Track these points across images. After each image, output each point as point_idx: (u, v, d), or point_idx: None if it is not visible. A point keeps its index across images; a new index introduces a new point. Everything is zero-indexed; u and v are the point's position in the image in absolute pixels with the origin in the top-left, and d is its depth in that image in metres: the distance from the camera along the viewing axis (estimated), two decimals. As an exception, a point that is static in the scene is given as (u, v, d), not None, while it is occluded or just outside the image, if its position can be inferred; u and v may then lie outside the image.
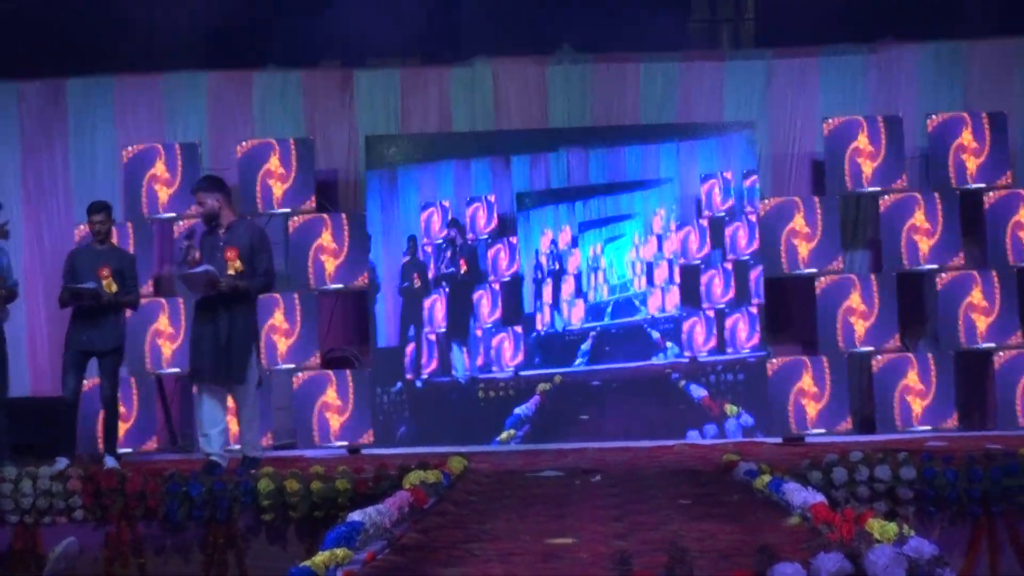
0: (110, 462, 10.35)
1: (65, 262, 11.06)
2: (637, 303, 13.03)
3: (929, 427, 12.60)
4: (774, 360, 12.93)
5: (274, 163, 13.25)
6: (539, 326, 13.03)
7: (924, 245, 12.97)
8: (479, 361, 12.99)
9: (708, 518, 6.34)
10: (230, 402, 10.16)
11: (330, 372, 13.09)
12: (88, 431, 12.04)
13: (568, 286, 13.05)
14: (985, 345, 12.89)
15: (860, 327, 12.88)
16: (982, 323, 12.87)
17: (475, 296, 13.03)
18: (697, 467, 9.55)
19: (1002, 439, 11.18)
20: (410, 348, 13.01)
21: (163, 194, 13.35)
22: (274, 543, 9.06)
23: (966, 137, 13.11)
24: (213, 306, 9.81)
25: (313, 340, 13.06)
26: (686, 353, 12.88)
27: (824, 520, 5.62)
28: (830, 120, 13.22)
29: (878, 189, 13.09)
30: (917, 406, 12.71)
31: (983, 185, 13.08)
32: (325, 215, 13.35)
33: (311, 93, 14.03)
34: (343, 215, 13.38)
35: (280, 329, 13.00)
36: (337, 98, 14.02)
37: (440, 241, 13.09)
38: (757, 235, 12.94)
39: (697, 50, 15.06)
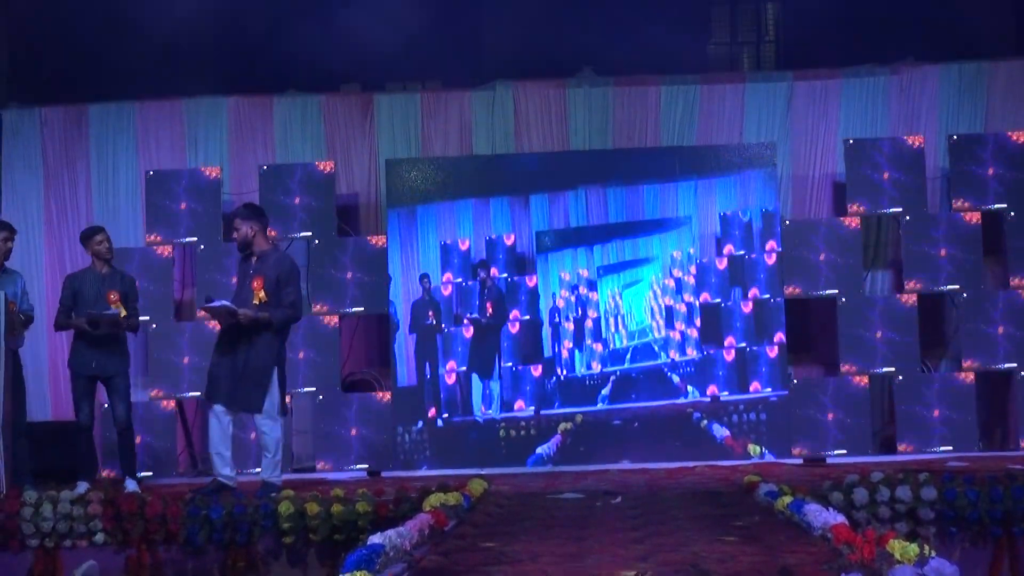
0: (131, 486, 10.37)
1: (64, 287, 10.98)
2: (656, 348, 13.02)
3: (950, 447, 12.56)
4: (795, 381, 12.91)
5: (295, 187, 13.28)
6: (559, 370, 13.03)
7: (945, 266, 12.93)
8: (499, 401, 13.00)
9: (729, 540, 6.32)
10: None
11: (350, 395, 13.12)
12: (112, 455, 12.11)
13: (587, 331, 13.05)
14: (1007, 365, 12.85)
15: (881, 348, 12.84)
16: (1004, 343, 12.82)
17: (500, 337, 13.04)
18: (718, 488, 9.52)
19: (1024, 459, 11.14)
20: (429, 386, 13.03)
21: (185, 218, 13.38)
22: (295, 566, 9.04)
23: (987, 157, 13.08)
24: (235, 335, 9.89)
25: (334, 363, 13.07)
26: (709, 391, 12.86)
27: (845, 541, 5.60)
28: (851, 141, 13.21)
29: (899, 210, 13.06)
30: (938, 427, 12.68)
31: (1004, 205, 13.04)
32: (346, 239, 13.39)
33: (332, 117, 14.07)
34: (364, 239, 13.42)
35: (301, 352, 13.00)
36: (358, 122, 14.06)
37: (467, 282, 13.09)
38: (777, 271, 12.94)
39: (718, 72, 15.05)
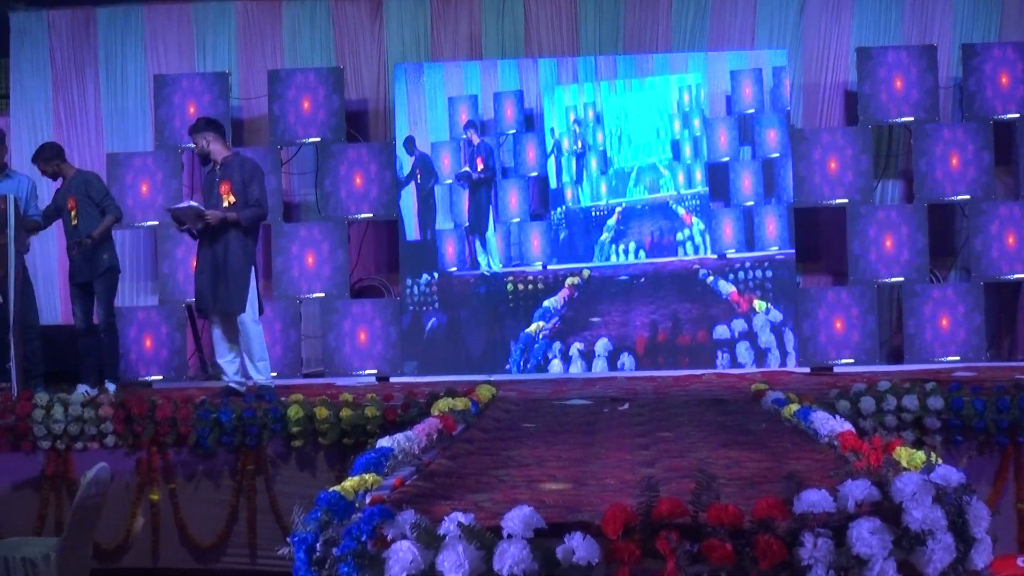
0: (110, 389, 10.44)
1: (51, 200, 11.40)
2: (662, 169, 12.99)
3: (958, 357, 12.59)
4: (804, 289, 12.94)
5: (304, 93, 13.23)
6: (568, 200, 13.04)
7: (956, 176, 12.88)
8: (505, 255, 13.04)
9: (735, 446, 6.34)
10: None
11: (359, 301, 13.15)
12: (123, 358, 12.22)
13: (593, 162, 13.04)
14: (1015, 276, 12.85)
15: (890, 258, 12.83)
16: (1013, 254, 12.80)
17: (497, 191, 13.05)
18: (725, 396, 9.55)
19: (1031, 369, 11.16)
20: (432, 243, 13.11)
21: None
22: (303, 469, 9.12)
23: (1000, 67, 12.98)
24: (209, 239, 10.06)
25: (343, 269, 13.09)
26: (710, 255, 12.90)
27: (852, 448, 5.62)
28: (863, 49, 13.11)
29: (911, 119, 12.98)
30: (946, 337, 12.69)
31: (1017, 115, 12.97)
32: (355, 144, 13.36)
33: (341, 22, 13.99)
34: (373, 144, 13.39)
35: (310, 258, 13.02)
36: (367, 27, 13.98)
37: (462, 137, 13.09)
38: (788, 132, 12.92)
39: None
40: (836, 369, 12.29)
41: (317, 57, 13.89)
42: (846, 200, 12.90)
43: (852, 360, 12.63)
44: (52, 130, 13.97)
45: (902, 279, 12.84)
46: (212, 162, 10.25)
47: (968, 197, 12.89)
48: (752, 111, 12.94)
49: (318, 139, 13.25)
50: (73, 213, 10.89)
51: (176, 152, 13.34)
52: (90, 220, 10.90)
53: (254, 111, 13.76)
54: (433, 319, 12.98)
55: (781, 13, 13.67)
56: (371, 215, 13.22)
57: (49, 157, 11.14)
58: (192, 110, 13.17)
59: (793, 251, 12.82)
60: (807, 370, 12.32)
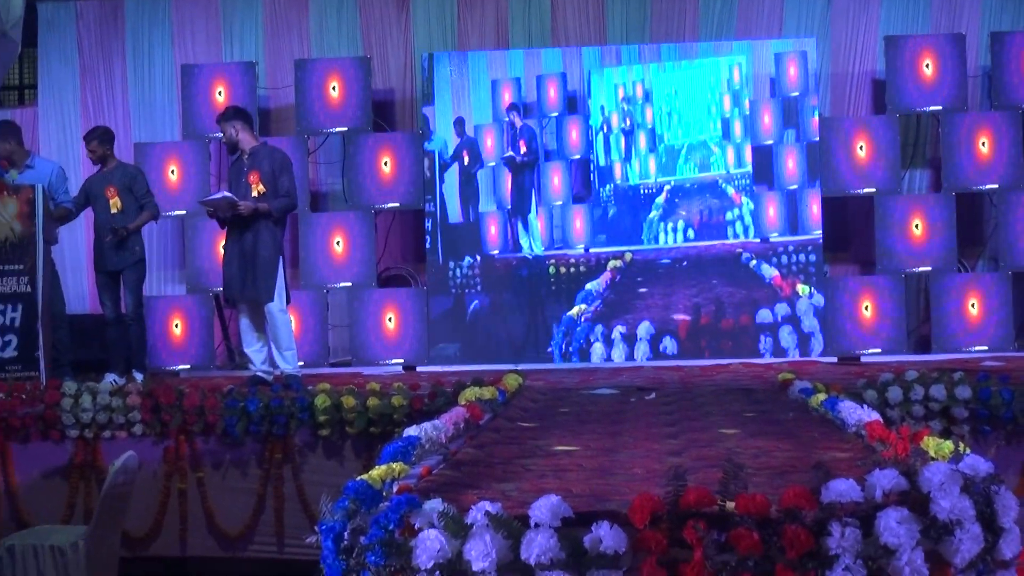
0: (137, 378, 10.49)
1: (80, 190, 11.39)
2: (713, 147, 12.99)
3: (986, 347, 12.54)
4: (831, 278, 12.91)
5: (331, 82, 13.24)
6: (616, 178, 13.04)
7: (984, 165, 12.82)
8: (548, 237, 13.07)
9: (763, 435, 6.33)
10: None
11: (386, 290, 13.18)
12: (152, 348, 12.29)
13: (642, 140, 13.05)
14: (1045, 265, 12.79)
15: (918, 247, 12.79)
16: (1042, 243, 12.76)
17: (540, 174, 13.08)
18: (752, 385, 9.53)
19: (1060, 359, 11.12)
20: (474, 226, 13.16)
21: (220, 112, 13.38)
22: (331, 458, 9.13)
23: (1030, 55, 12.93)
24: (239, 229, 10.12)
25: (370, 258, 13.11)
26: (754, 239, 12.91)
27: (879, 438, 5.60)
28: (891, 37, 13.05)
29: (939, 108, 12.93)
30: (974, 326, 12.65)
31: (1046, 104, 12.92)
32: (382, 134, 13.37)
33: (367, 11, 14.00)
34: (400, 133, 13.41)
35: (337, 247, 13.05)
36: (394, 17, 13.99)
37: (505, 120, 13.12)
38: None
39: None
40: (863, 359, 12.27)
41: (344, 46, 13.91)
42: (874, 189, 12.86)
43: (879, 350, 12.60)
44: (80, 120, 14.03)
45: (930, 268, 12.80)
46: (240, 151, 10.30)
47: (996, 186, 12.84)
48: (796, 94, 12.91)
49: (345, 128, 13.26)
50: (113, 202, 10.92)
51: (204, 141, 13.38)
52: (128, 212, 10.96)
53: (281, 100, 13.79)
54: (476, 302, 13.03)
55: (809, 2, 13.62)
56: (398, 204, 13.23)
57: (104, 140, 11.18)
58: (219, 99, 13.20)
59: (821, 239, 12.80)
60: (834, 359, 12.31)
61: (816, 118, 12.84)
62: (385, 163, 13.14)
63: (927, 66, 12.89)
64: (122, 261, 10.97)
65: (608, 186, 13.03)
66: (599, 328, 12.87)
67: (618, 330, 12.82)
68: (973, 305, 12.66)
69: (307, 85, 13.27)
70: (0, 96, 14.82)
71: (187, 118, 13.47)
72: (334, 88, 13.23)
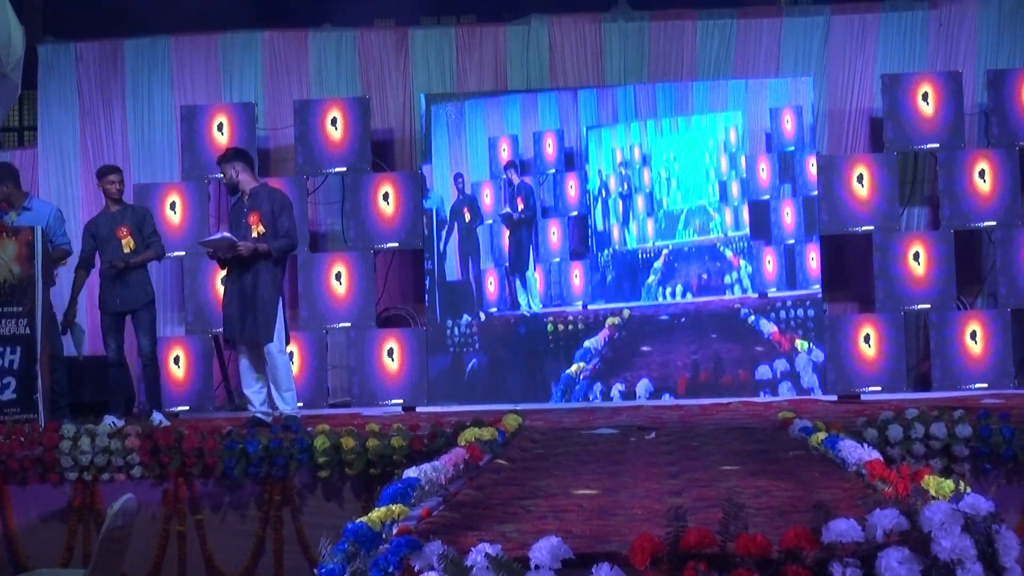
0: (157, 418, 10.48)
1: (83, 235, 11.25)
2: (712, 211, 12.98)
3: (986, 385, 12.52)
4: (831, 316, 12.90)
5: (330, 122, 13.27)
6: (614, 242, 13.04)
7: (982, 202, 12.84)
8: (546, 294, 13.05)
9: (763, 475, 6.33)
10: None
11: (386, 331, 13.17)
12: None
13: (640, 203, 13.05)
14: (1044, 303, 12.79)
15: (917, 284, 12.79)
16: (1041, 280, 12.75)
17: (538, 231, 13.06)
18: (752, 424, 9.52)
19: (1060, 397, 11.10)
20: (473, 282, 13.14)
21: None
22: (330, 500, 9.11)
23: (1027, 93, 12.96)
24: (238, 269, 10.14)
25: (369, 299, 13.11)
26: (752, 294, 12.87)
27: (880, 477, 5.60)
28: (888, 76, 13.09)
29: (936, 145, 12.95)
30: (974, 364, 12.63)
31: (1043, 141, 12.94)
32: (381, 174, 13.40)
33: (366, 53, 14.05)
34: (399, 174, 13.44)
35: (336, 287, 13.05)
36: (392, 57, 14.04)
37: (503, 177, 13.12)
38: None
39: (754, 6, 14.91)
40: (863, 397, 12.24)
41: (343, 87, 13.94)
42: (872, 227, 12.86)
43: (879, 388, 12.58)
44: (80, 161, 14.06)
45: (929, 306, 12.79)
46: (240, 192, 10.33)
47: (995, 223, 12.85)
48: (792, 149, 12.93)
49: (344, 169, 13.28)
50: (126, 242, 10.88)
51: (203, 182, 13.39)
52: (139, 252, 10.93)
53: (280, 141, 13.82)
54: (474, 360, 12.99)
55: (806, 41, 13.67)
56: (396, 244, 13.24)
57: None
58: (219, 140, 13.23)
59: (820, 294, 12.81)
60: (834, 398, 12.28)
61: (814, 169, 12.84)
62: (384, 203, 13.14)
63: (924, 103, 12.92)
64: (134, 302, 10.92)
65: (606, 250, 13.04)
66: (597, 386, 12.83)
67: (617, 388, 12.78)
68: (972, 342, 12.65)
69: (307, 126, 13.30)
70: (0, 138, 14.84)
71: (187, 159, 13.49)
72: (333, 129, 13.25)
